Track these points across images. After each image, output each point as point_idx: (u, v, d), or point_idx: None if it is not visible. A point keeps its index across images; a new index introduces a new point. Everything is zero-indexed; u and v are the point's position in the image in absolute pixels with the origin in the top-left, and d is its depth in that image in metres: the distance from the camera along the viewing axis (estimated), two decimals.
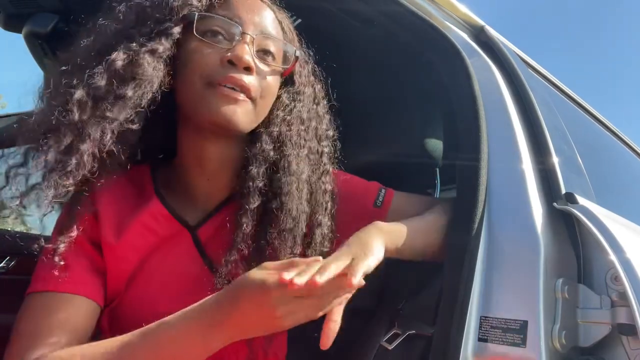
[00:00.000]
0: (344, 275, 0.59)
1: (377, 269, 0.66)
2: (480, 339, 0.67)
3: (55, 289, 0.70)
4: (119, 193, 0.79)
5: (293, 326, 0.61)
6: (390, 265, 0.74)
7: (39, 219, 0.70)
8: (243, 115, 0.74)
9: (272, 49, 0.78)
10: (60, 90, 0.67)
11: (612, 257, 0.66)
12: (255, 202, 0.75)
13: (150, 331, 0.62)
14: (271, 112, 0.81)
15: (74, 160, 0.65)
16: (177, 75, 0.74)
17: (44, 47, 1.25)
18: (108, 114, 0.67)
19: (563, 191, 0.77)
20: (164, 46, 0.70)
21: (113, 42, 0.70)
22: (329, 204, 0.83)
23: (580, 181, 0.88)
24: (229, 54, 0.72)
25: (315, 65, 0.90)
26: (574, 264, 0.72)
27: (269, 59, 0.78)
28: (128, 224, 0.77)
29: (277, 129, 0.80)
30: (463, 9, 1.07)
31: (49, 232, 0.76)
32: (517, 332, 0.64)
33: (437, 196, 1.26)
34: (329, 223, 0.82)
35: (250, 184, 0.75)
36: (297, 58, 0.82)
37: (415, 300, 0.97)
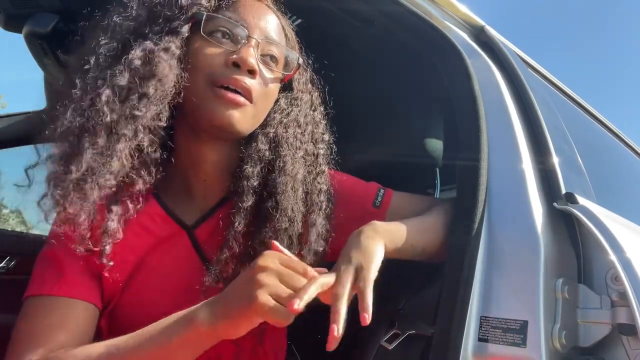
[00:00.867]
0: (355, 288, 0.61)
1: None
2: (480, 339, 0.67)
3: (50, 292, 0.70)
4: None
5: (270, 311, 0.56)
6: (391, 265, 0.74)
7: (87, 225, 0.68)
8: (243, 119, 0.75)
9: (275, 54, 0.80)
10: (87, 89, 0.68)
11: (612, 257, 0.66)
12: (249, 201, 0.75)
13: (143, 330, 0.63)
14: (269, 114, 0.82)
15: (114, 160, 0.66)
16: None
17: (44, 47, 1.25)
18: (136, 112, 0.68)
19: (563, 191, 0.77)
20: (175, 44, 0.71)
21: (128, 40, 0.70)
22: (323, 203, 0.83)
23: (580, 181, 0.88)
24: (234, 55, 0.73)
25: (313, 73, 0.91)
26: (574, 263, 0.72)
27: (272, 64, 0.79)
28: (125, 225, 0.77)
29: (274, 130, 0.80)
30: (463, 9, 1.08)
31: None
32: (517, 332, 0.64)
33: (437, 196, 1.26)
34: (323, 222, 0.82)
35: (245, 182, 0.76)
36: (299, 65, 0.84)
37: (415, 300, 0.97)
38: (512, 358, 0.64)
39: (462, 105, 0.90)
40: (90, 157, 0.65)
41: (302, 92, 0.87)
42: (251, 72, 0.74)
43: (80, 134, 0.66)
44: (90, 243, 0.71)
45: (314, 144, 0.86)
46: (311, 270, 0.61)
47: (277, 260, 0.60)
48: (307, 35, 0.89)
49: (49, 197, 0.66)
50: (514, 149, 0.83)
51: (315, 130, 0.87)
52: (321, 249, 0.81)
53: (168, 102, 0.72)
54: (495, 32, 1.08)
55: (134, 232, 0.77)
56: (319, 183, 0.84)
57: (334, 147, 0.90)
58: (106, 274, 0.74)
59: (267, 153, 0.78)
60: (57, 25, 1.21)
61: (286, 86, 0.87)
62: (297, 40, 0.88)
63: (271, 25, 0.80)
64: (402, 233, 0.78)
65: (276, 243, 0.61)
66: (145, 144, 0.71)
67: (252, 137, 0.80)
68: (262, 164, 0.78)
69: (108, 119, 0.66)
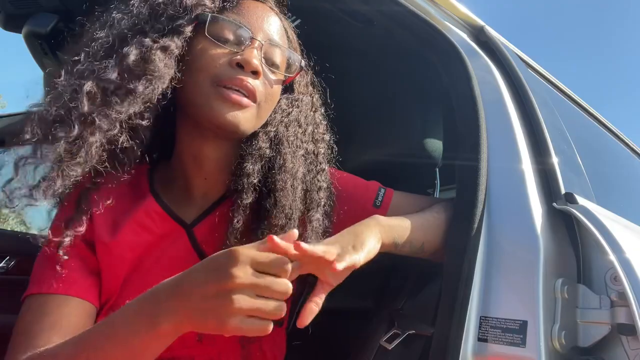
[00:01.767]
0: (326, 261, 0.61)
1: (378, 268, 0.67)
2: (480, 339, 0.67)
3: (48, 291, 0.71)
4: (114, 192, 0.79)
5: (237, 322, 0.54)
6: (391, 264, 0.74)
7: (47, 212, 0.69)
8: (246, 119, 0.75)
9: (278, 56, 0.81)
10: (71, 80, 0.68)
11: (612, 257, 0.66)
12: (248, 198, 0.75)
13: (109, 318, 0.62)
14: (270, 114, 0.82)
15: (83, 152, 0.65)
16: (183, 74, 0.75)
17: (44, 47, 1.25)
18: (117, 107, 0.67)
19: (563, 191, 0.77)
20: (175, 44, 0.71)
21: (126, 36, 0.70)
22: (323, 200, 0.84)
23: (580, 181, 0.88)
24: (239, 56, 0.74)
25: (314, 76, 0.91)
26: (574, 264, 0.72)
27: (275, 66, 0.80)
28: (123, 223, 0.77)
29: (274, 129, 0.81)
30: (463, 9, 1.08)
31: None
32: (517, 332, 0.64)
33: (437, 196, 1.26)
34: (321, 219, 0.82)
35: (245, 180, 0.76)
36: (301, 68, 0.85)
37: (415, 300, 0.96)
38: (511, 358, 0.64)
39: (461, 106, 0.90)
40: (61, 146, 0.64)
41: (302, 93, 0.88)
42: (255, 73, 0.75)
43: (56, 122, 0.65)
44: (51, 234, 0.71)
45: (314, 143, 0.86)
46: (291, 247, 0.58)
47: (248, 266, 0.54)
48: (306, 35, 0.89)
49: (17, 184, 0.66)
50: (514, 149, 0.83)
51: (315, 131, 0.88)
52: None
53: (162, 103, 0.72)
54: (494, 32, 1.08)
55: (132, 230, 0.77)
56: (318, 181, 0.84)
57: (335, 147, 0.90)
58: (105, 272, 0.75)
59: (267, 151, 0.79)
60: (57, 25, 1.21)
61: (287, 88, 0.87)
62: (299, 43, 0.88)
63: (274, 27, 0.81)
64: (402, 228, 0.79)
65: (273, 236, 0.58)
66: (121, 139, 0.69)
67: (253, 135, 0.80)
68: (263, 162, 0.78)
69: (85, 109, 0.65)
